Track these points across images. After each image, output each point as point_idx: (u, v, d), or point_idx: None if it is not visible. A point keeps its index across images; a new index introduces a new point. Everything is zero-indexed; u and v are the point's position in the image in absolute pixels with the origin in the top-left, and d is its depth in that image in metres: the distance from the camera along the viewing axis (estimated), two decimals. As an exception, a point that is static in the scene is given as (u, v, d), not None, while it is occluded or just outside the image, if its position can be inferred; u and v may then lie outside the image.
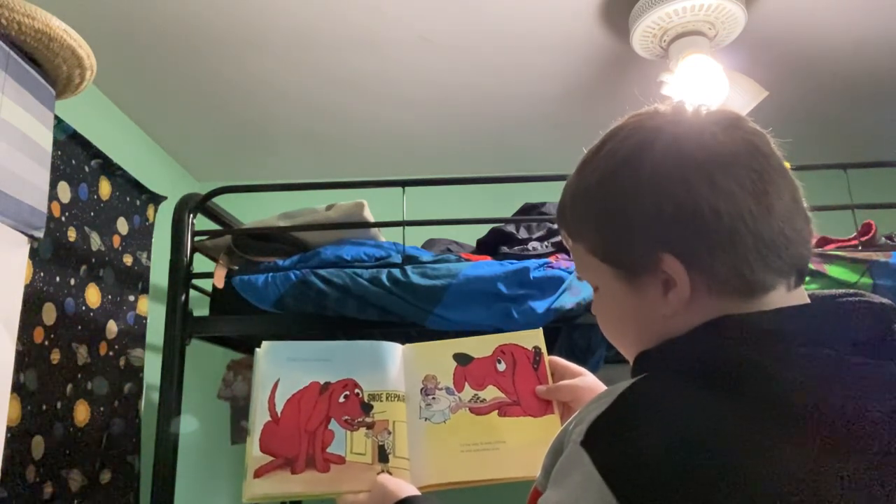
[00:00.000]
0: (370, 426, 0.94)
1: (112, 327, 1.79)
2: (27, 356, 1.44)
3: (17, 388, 1.40)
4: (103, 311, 1.75)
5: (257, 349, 0.99)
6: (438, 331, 1.44)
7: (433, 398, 0.98)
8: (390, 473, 0.90)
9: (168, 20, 1.68)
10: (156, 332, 1.83)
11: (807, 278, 0.62)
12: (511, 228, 1.67)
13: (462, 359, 1.01)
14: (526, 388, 0.98)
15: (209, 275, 1.56)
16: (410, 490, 0.85)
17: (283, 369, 0.97)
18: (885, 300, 0.57)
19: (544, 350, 1.01)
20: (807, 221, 0.60)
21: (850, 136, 2.40)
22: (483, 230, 1.74)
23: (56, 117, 1.28)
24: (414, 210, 1.63)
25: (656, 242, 0.58)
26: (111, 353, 1.77)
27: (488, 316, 1.41)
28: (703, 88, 1.64)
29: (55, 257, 1.57)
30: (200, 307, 1.58)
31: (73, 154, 1.66)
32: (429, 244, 1.90)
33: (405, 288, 1.43)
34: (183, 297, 1.50)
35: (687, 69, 1.65)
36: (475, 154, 2.48)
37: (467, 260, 1.51)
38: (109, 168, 1.80)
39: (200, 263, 1.60)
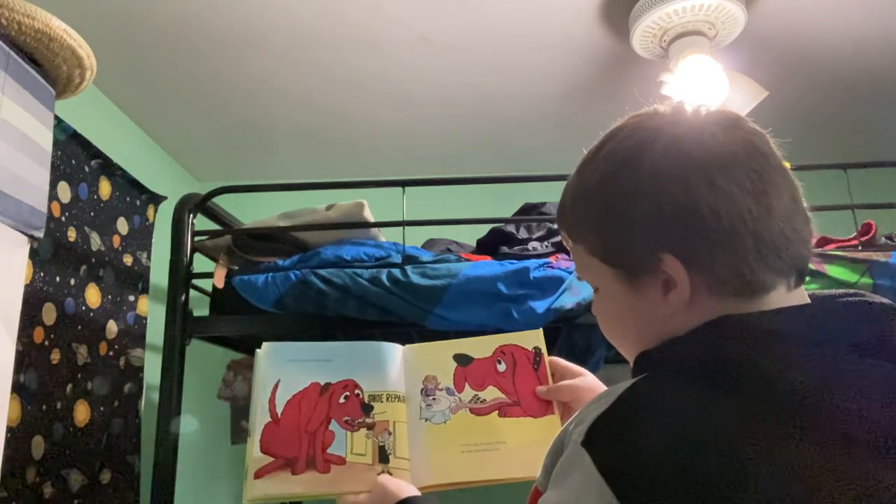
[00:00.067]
0: (370, 427, 0.94)
1: (112, 327, 1.79)
2: (27, 356, 1.44)
3: (17, 388, 1.40)
4: (103, 311, 1.75)
5: (258, 350, 0.99)
6: (438, 331, 1.44)
7: (433, 399, 0.98)
8: (391, 474, 0.90)
9: (168, 20, 1.68)
10: (156, 332, 1.83)
11: (807, 278, 0.62)
12: (511, 228, 1.67)
13: (462, 359, 1.01)
14: (526, 388, 0.98)
15: (209, 275, 1.56)
16: (411, 490, 0.85)
17: (284, 370, 0.97)
18: (884, 300, 0.57)
19: (544, 350, 1.01)
20: (806, 221, 0.60)
21: (850, 136, 2.40)
22: (483, 230, 1.74)
23: (56, 117, 1.28)
24: (414, 210, 1.63)
25: (656, 243, 0.58)
26: (111, 353, 1.77)
27: (488, 316, 1.41)
28: (703, 88, 1.64)
29: (55, 257, 1.57)
30: (200, 307, 1.58)
31: (73, 154, 1.66)
32: (429, 244, 1.90)
33: (405, 288, 1.43)
34: (183, 297, 1.50)
35: (687, 69, 1.65)
36: (475, 154, 2.48)
37: (467, 260, 1.51)
38: (109, 168, 1.80)
39: (200, 263, 1.60)
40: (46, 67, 1.15)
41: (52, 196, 1.56)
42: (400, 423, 0.95)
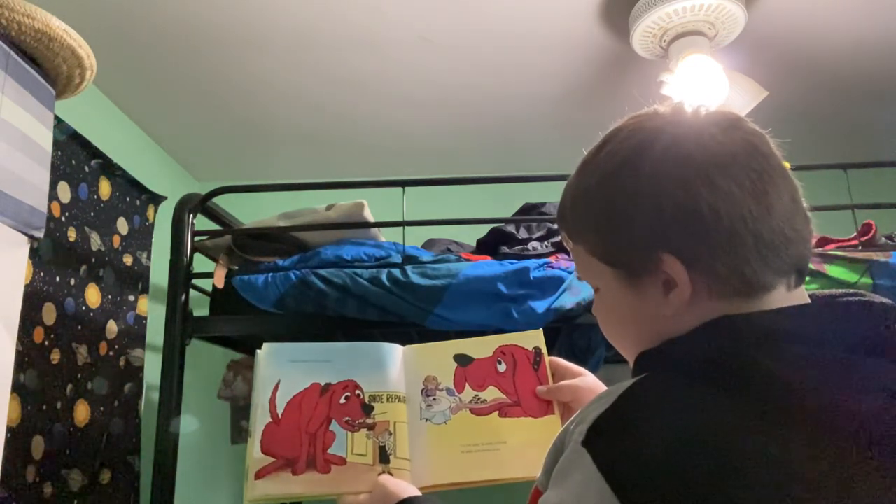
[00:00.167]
0: (371, 427, 0.94)
1: (112, 327, 1.79)
2: (27, 356, 1.44)
3: (17, 388, 1.40)
4: (103, 311, 1.75)
5: (258, 351, 0.99)
6: (438, 331, 1.44)
7: (434, 399, 0.98)
8: (391, 474, 0.90)
9: (168, 20, 1.68)
10: (156, 332, 1.83)
11: (807, 278, 0.62)
12: (511, 228, 1.67)
13: (462, 360, 1.01)
14: (526, 388, 0.98)
15: (209, 275, 1.56)
16: (411, 491, 0.85)
17: (284, 371, 0.97)
18: (885, 300, 0.57)
19: (544, 350, 1.01)
20: (806, 221, 0.60)
21: (850, 135, 2.40)
22: (483, 230, 1.74)
23: (56, 117, 1.28)
24: (414, 210, 1.63)
25: (656, 243, 0.58)
26: (111, 353, 1.77)
27: (488, 316, 1.41)
28: (703, 88, 1.64)
29: (55, 257, 1.57)
30: (200, 307, 1.58)
31: (73, 154, 1.66)
32: (429, 244, 1.90)
33: (405, 288, 1.43)
34: (183, 297, 1.50)
35: (687, 69, 1.65)
36: (475, 154, 2.48)
37: (467, 260, 1.51)
38: (109, 168, 1.80)
39: (200, 263, 1.60)
40: (46, 67, 1.15)
41: (52, 196, 1.57)
42: (400, 423, 0.95)
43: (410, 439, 0.94)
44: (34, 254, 1.49)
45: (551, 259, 1.52)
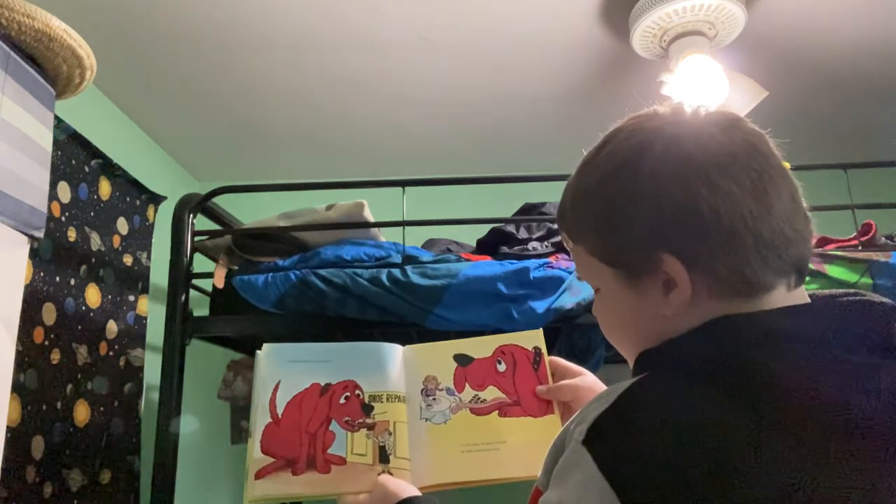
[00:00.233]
0: (371, 427, 0.94)
1: (112, 327, 1.79)
2: (27, 356, 1.44)
3: (17, 388, 1.40)
4: (103, 311, 1.75)
5: (258, 351, 0.99)
6: (438, 331, 1.44)
7: (434, 399, 0.98)
8: (391, 474, 0.90)
9: (168, 20, 1.68)
10: (156, 332, 1.83)
11: (807, 278, 0.62)
12: (511, 228, 1.67)
13: (462, 359, 1.01)
14: (526, 388, 0.98)
15: (209, 275, 1.56)
16: (411, 490, 0.85)
17: (284, 371, 0.97)
18: (885, 300, 0.57)
19: (544, 350, 1.01)
20: (806, 221, 0.60)
21: (850, 136, 2.40)
22: (483, 230, 1.74)
23: (56, 117, 1.28)
24: (414, 210, 1.63)
25: (656, 243, 0.58)
26: (111, 353, 1.77)
27: (488, 316, 1.41)
28: (703, 88, 1.64)
29: (55, 257, 1.57)
30: (200, 307, 1.58)
31: (73, 154, 1.66)
32: (429, 244, 1.90)
33: (405, 288, 1.43)
34: (183, 297, 1.50)
35: (687, 69, 1.65)
36: (475, 154, 2.48)
37: (467, 260, 1.51)
38: (109, 168, 1.80)
39: (200, 263, 1.60)
40: (46, 67, 1.15)
41: (52, 196, 1.57)
42: (400, 423, 0.95)
43: (410, 439, 0.94)
44: (34, 254, 1.49)
45: (551, 259, 1.52)
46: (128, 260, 1.89)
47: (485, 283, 1.42)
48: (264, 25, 1.72)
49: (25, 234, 1.10)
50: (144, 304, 1.94)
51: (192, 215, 1.57)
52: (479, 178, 1.89)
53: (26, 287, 1.41)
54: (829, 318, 0.56)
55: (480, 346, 1.03)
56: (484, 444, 0.94)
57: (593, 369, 1.03)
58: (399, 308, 1.43)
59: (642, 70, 1.91)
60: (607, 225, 0.62)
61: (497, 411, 0.97)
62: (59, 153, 1.60)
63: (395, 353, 1.02)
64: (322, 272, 1.47)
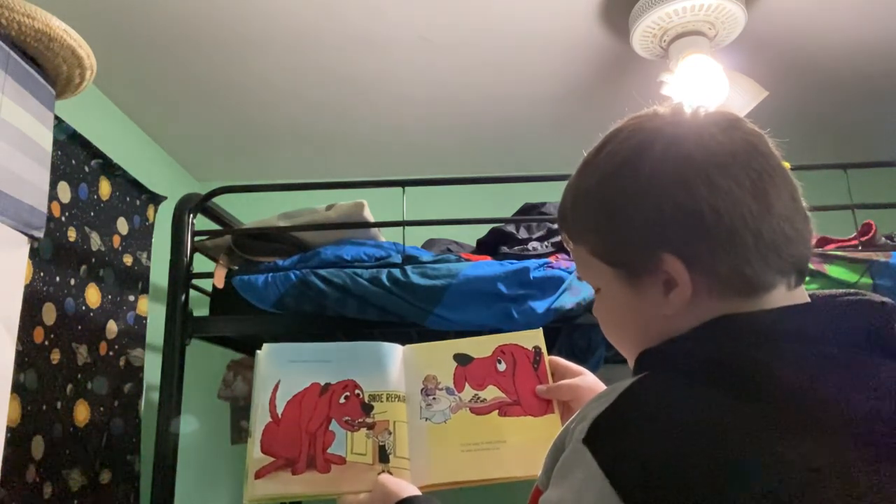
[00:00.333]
0: (371, 427, 0.94)
1: (112, 327, 1.79)
2: (27, 356, 1.44)
3: (17, 388, 1.40)
4: (103, 311, 1.75)
5: (258, 351, 0.99)
6: (438, 331, 1.44)
7: (433, 398, 0.98)
8: (391, 473, 0.90)
9: (168, 20, 1.68)
10: (156, 332, 1.83)
11: (807, 278, 0.62)
12: (511, 228, 1.67)
13: (462, 359, 1.02)
14: (526, 387, 0.98)
15: (209, 275, 1.56)
16: (411, 490, 0.85)
17: (284, 371, 0.97)
18: (885, 299, 0.57)
19: (544, 350, 1.01)
20: (806, 221, 0.60)
21: (850, 136, 2.40)
22: (483, 230, 1.74)
23: (56, 117, 1.28)
24: (414, 210, 1.63)
25: (657, 243, 0.58)
26: (111, 353, 1.77)
27: (488, 316, 1.41)
28: (703, 88, 1.64)
29: (55, 257, 1.57)
30: (200, 307, 1.58)
31: (73, 154, 1.66)
32: (429, 244, 1.90)
33: (405, 288, 1.43)
34: (183, 297, 1.50)
35: (687, 69, 1.65)
36: (475, 154, 2.48)
37: (467, 260, 1.51)
38: (109, 168, 1.80)
39: (200, 263, 1.60)
40: (46, 67, 1.15)
41: (52, 196, 1.57)
42: (400, 422, 0.95)
43: (410, 438, 0.94)
44: (34, 254, 1.49)
45: (551, 259, 1.52)
46: (128, 260, 1.89)
47: (485, 283, 1.42)
48: (264, 25, 1.72)
49: (25, 234, 1.10)
50: (144, 304, 1.94)
51: (192, 215, 1.57)
52: (479, 178, 1.89)
53: (26, 287, 1.41)
54: (830, 318, 0.56)
55: (480, 346, 1.03)
56: (484, 444, 0.94)
57: (593, 369, 1.03)
58: (399, 308, 1.43)
59: (642, 70, 1.91)
60: (607, 225, 0.62)
61: (497, 411, 0.97)
62: (59, 153, 1.60)
63: (395, 353, 1.02)
64: (322, 272, 1.47)
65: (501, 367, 1.00)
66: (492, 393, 0.98)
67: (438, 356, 1.02)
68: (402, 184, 1.57)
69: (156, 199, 2.04)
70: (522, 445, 0.93)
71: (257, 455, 0.90)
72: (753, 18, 1.67)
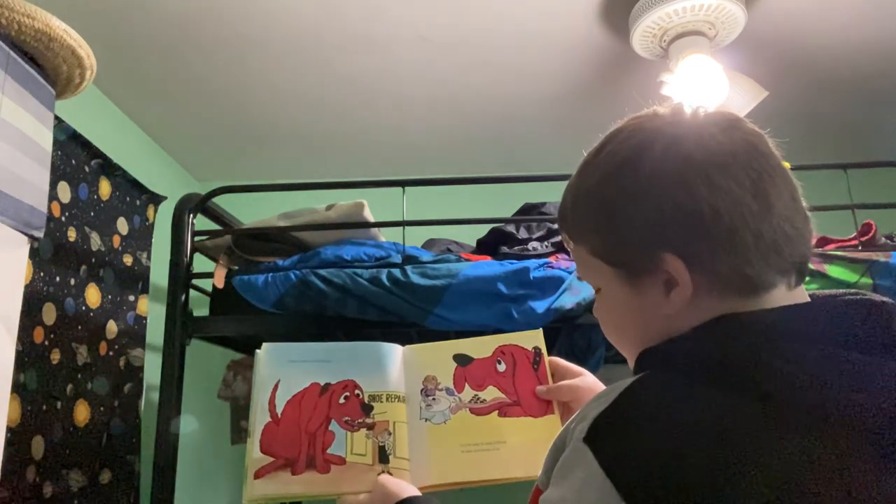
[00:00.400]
0: (370, 427, 0.94)
1: (112, 327, 1.79)
2: (27, 356, 1.44)
3: (17, 388, 1.40)
4: (103, 311, 1.75)
5: (257, 351, 0.99)
6: (438, 331, 1.44)
7: (433, 399, 0.98)
8: (391, 474, 0.90)
9: (168, 20, 1.68)
10: (156, 332, 1.83)
11: (807, 278, 0.62)
12: (511, 228, 1.67)
13: (462, 359, 1.01)
14: (526, 388, 0.98)
15: (209, 275, 1.56)
16: (411, 490, 0.85)
17: (284, 370, 0.97)
18: (886, 299, 0.57)
19: (544, 350, 1.01)
20: (806, 220, 0.60)
21: (850, 136, 2.40)
22: (483, 230, 1.74)
23: (56, 117, 1.28)
24: (414, 210, 1.63)
25: (657, 242, 0.58)
26: (111, 353, 1.77)
27: (488, 316, 1.41)
28: (703, 88, 1.64)
29: (55, 257, 1.57)
30: (200, 307, 1.58)
31: (73, 154, 1.66)
32: (429, 244, 1.90)
33: (405, 288, 1.43)
34: (183, 297, 1.50)
35: (687, 69, 1.65)
36: (475, 154, 2.48)
37: (467, 260, 1.51)
38: (109, 168, 1.80)
39: (200, 263, 1.60)
40: (46, 67, 1.15)
41: (52, 196, 1.57)
42: (400, 423, 0.95)
43: (410, 439, 0.94)
44: (34, 254, 1.49)
45: (551, 259, 1.52)
46: (128, 260, 1.89)
47: (485, 283, 1.42)
48: (264, 25, 1.72)
49: (25, 234, 1.10)
50: (144, 304, 1.94)
51: (192, 215, 1.57)
52: (479, 178, 1.89)
53: (26, 287, 1.41)
54: (830, 317, 0.56)
55: (480, 346, 1.03)
56: (484, 445, 0.94)
57: (593, 369, 1.03)
58: (399, 308, 1.43)
59: (642, 70, 1.91)
60: (608, 225, 0.62)
61: (497, 411, 0.97)
62: (59, 153, 1.60)
63: (395, 353, 1.02)
64: (322, 272, 1.47)
65: (501, 367, 1.00)
66: (492, 393, 0.98)
67: (438, 357, 1.02)
68: (402, 184, 1.57)
69: (156, 199, 2.04)
70: (522, 446, 0.93)
71: (257, 455, 0.90)
72: (753, 18, 1.67)
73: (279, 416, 0.93)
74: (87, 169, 1.72)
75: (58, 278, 1.57)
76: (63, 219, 1.61)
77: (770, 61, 1.90)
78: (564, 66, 1.95)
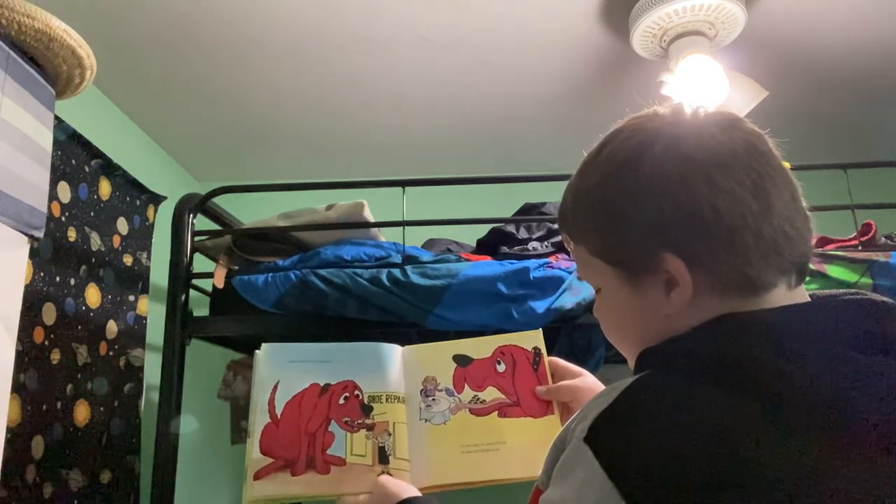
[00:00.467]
0: (370, 428, 0.94)
1: (112, 327, 1.79)
2: (27, 356, 1.44)
3: (17, 388, 1.40)
4: (103, 311, 1.75)
5: (257, 351, 0.99)
6: (438, 331, 1.44)
7: (433, 399, 0.98)
8: (391, 475, 0.90)
9: (168, 20, 1.68)
10: (156, 332, 1.83)
11: (807, 278, 0.62)
12: (511, 228, 1.67)
13: (462, 360, 1.01)
14: (526, 388, 0.98)
15: (209, 275, 1.56)
16: (411, 491, 0.85)
17: (283, 371, 0.97)
18: (886, 299, 0.57)
19: (544, 351, 1.01)
20: (806, 220, 0.60)
21: (850, 136, 2.40)
22: (483, 230, 1.74)
23: (56, 117, 1.28)
24: (414, 210, 1.63)
25: (658, 242, 0.58)
26: (111, 353, 1.77)
27: (488, 316, 1.41)
28: (703, 88, 1.64)
29: (55, 257, 1.57)
30: (200, 307, 1.58)
31: (73, 154, 1.66)
32: (429, 244, 1.90)
33: (405, 288, 1.43)
34: (183, 297, 1.50)
35: (687, 69, 1.65)
36: (475, 154, 2.48)
37: (467, 260, 1.51)
38: (109, 168, 1.80)
39: (200, 263, 1.60)
40: (46, 67, 1.15)
41: (52, 196, 1.57)
42: (400, 423, 0.95)
43: (410, 440, 0.94)
44: (34, 254, 1.49)
45: (551, 259, 1.52)
46: (128, 260, 1.89)
47: (485, 283, 1.42)
48: (264, 25, 1.72)
49: (25, 234, 1.10)
50: (144, 304, 1.94)
51: (192, 215, 1.57)
52: (479, 178, 1.89)
53: (26, 287, 1.41)
54: (831, 317, 0.56)
55: (480, 347, 1.03)
56: (484, 445, 0.94)
57: (593, 369, 1.03)
58: (399, 308, 1.43)
59: (642, 70, 1.91)
60: (608, 225, 0.62)
61: (496, 412, 0.97)
62: (59, 153, 1.60)
63: (395, 354, 1.02)
64: (322, 272, 1.47)
65: (501, 367, 1.00)
66: (491, 394, 0.98)
67: (438, 357, 1.02)
68: (402, 184, 1.57)
69: (156, 199, 2.04)
70: (522, 446, 0.93)
71: (256, 456, 0.90)
72: (753, 18, 1.67)
73: (279, 416, 0.93)
74: (87, 169, 1.72)
75: (58, 278, 1.57)
76: (63, 219, 1.61)
77: (770, 61, 1.90)
78: (564, 66, 1.95)
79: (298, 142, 2.38)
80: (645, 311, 0.62)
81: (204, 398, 2.08)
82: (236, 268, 1.57)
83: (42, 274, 1.52)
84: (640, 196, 0.59)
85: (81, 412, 1.63)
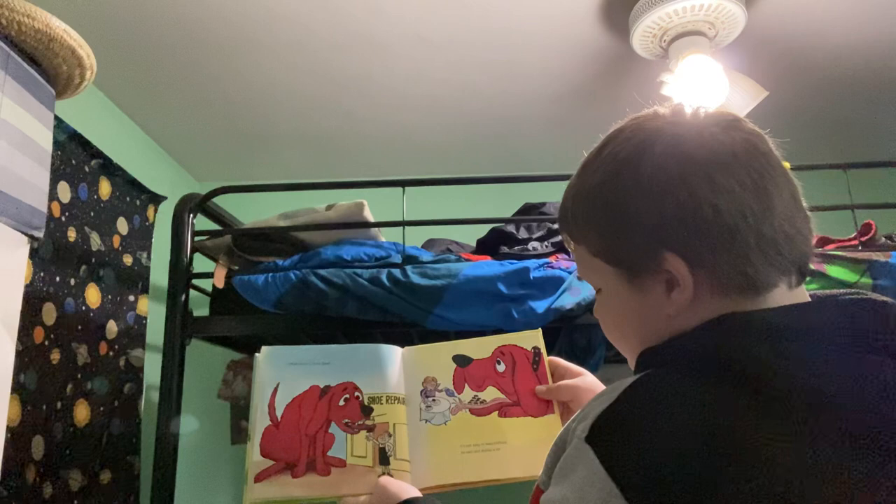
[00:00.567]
0: (371, 429, 0.94)
1: (112, 327, 1.79)
2: (27, 356, 1.44)
3: (17, 388, 1.40)
4: (103, 311, 1.75)
5: (257, 354, 0.99)
6: (439, 331, 1.44)
7: (433, 400, 0.98)
8: (391, 476, 0.90)
9: (168, 20, 1.68)
10: (156, 332, 1.83)
11: (807, 278, 0.62)
12: (511, 228, 1.67)
13: (461, 360, 1.01)
14: (526, 388, 0.98)
15: (209, 275, 1.56)
16: (412, 492, 0.85)
17: (283, 373, 0.97)
18: (886, 298, 0.57)
19: (544, 350, 1.01)
20: (806, 220, 0.60)
21: (850, 136, 2.40)
22: (483, 230, 1.74)
23: (56, 117, 1.28)
24: (414, 210, 1.63)
25: (658, 242, 0.58)
26: (111, 353, 1.77)
27: (488, 316, 1.41)
28: (703, 88, 1.64)
29: (55, 257, 1.57)
30: (200, 307, 1.58)
31: (73, 154, 1.66)
32: (429, 244, 1.90)
33: (405, 288, 1.43)
34: (183, 297, 1.50)
35: (687, 69, 1.65)
36: (475, 154, 2.48)
37: (467, 260, 1.51)
38: (109, 168, 1.80)
39: (200, 263, 1.60)
40: (46, 67, 1.15)
41: (52, 196, 1.57)
42: (400, 424, 0.95)
43: (410, 440, 0.94)
44: (34, 254, 1.49)
45: (551, 259, 1.52)
46: (128, 260, 1.89)
47: (485, 283, 1.42)
48: (264, 25, 1.72)
49: (25, 234, 1.10)
50: (144, 304, 1.94)
51: (192, 215, 1.57)
52: (479, 178, 1.89)
53: (26, 287, 1.41)
54: (831, 317, 0.56)
55: (479, 347, 1.03)
56: (484, 445, 0.94)
57: (593, 369, 1.03)
58: (399, 308, 1.43)
59: (642, 70, 1.91)
60: (609, 225, 0.62)
61: (497, 412, 0.97)
62: (59, 153, 1.60)
63: (394, 355, 1.02)
64: (322, 272, 1.47)
65: (501, 367, 1.00)
66: (491, 394, 0.98)
67: (437, 358, 1.02)
68: (402, 184, 1.57)
69: (156, 199, 2.04)
70: (522, 446, 0.93)
71: (257, 458, 0.90)
72: (753, 18, 1.67)
73: (279, 419, 0.93)
74: (87, 169, 1.72)
75: (58, 278, 1.57)
76: (63, 219, 1.61)
77: (770, 61, 1.90)
78: (564, 66, 1.95)
79: (298, 142, 2.38)
80: (645, 311, 0.62)
81: (204, 398, 2.09)
82: (236, 268, 1.57)
83: (42, 274, 1.52)
84: (641, 196, 0.59)
85: (81, 412, 1.63)
